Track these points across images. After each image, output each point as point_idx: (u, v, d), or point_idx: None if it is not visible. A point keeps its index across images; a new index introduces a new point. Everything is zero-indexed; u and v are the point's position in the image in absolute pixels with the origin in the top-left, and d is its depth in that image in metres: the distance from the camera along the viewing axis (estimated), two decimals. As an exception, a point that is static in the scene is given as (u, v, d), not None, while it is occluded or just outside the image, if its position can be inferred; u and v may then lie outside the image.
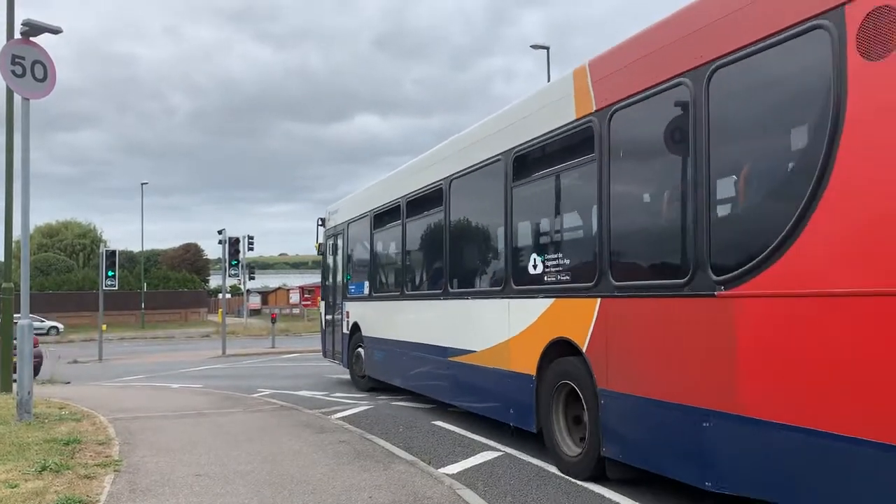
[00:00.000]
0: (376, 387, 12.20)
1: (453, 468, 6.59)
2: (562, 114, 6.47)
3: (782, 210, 4.20)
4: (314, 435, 7.90)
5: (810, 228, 4.00)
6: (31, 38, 9.20)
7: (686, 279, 4.88)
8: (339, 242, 14.17)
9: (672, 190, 5.31)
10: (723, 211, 4.83)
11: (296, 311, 62.64)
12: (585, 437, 6.13)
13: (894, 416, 3.53)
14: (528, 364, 6.88)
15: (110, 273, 25.13)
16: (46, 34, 9.29)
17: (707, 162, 4.78)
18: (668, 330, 5.09)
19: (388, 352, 11.26)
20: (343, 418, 9.40)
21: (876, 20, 3.68)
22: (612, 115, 5.78)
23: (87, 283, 58.09)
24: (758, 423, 4.28)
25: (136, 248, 67.54)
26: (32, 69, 9.04)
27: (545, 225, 7.12)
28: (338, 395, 12.32)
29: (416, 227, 10.23)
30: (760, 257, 4.30)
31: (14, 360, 11.51)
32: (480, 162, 8.08)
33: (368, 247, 12.30)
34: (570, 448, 6.45)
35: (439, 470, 6.38)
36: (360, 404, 10.87)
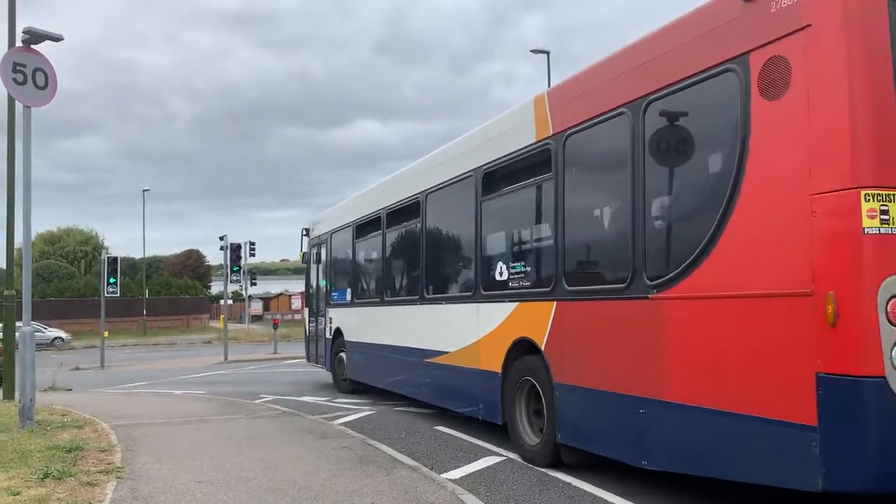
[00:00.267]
0: (358, 389, 12.81)
1: (456, 473, 6.58)
2: (524, 136, 7.16)
3: (702, 224, 4.88)
4: (316, 441, 7.89)
5: (723, 240, 4.69)
6: (33, 46, 9.23)
7: (626, 284, 5.57)
8: (323, 251, 14.85)
9: (616, 205, 6.01)
10: (655, 224, 5.50)
11: (297, 316, 62.45)
12: (544, 428, 6.72)
13: (786, 397, 4.22)
14: (494, 362, 7.51)
15: (112, 280, 25.10)
16: (48, 42, 9.32)
17: (643, 181, 5.47)
18: (610, 328, 5.80)
19: (368, 355, 11.82)
20: (345, 424, 9.39)
21: (772, 67, 4.42)
22: (566, 139, 6.47)
23: (88, 290, 58.07)
24: (683, 407, 4.97)
25: (137, 255, 67.56)
26: (34, 77, 9.06)
27: (510, 236, 7.86)
28: (339, 400, 12.33)
29: (395, 237, 10.92)
30: (684, 265, 4.99)
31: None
32: (454, 177, 8.76)
33: (350, 255, 12.92)
34: (531, 438, 7.04)
35: (442, 475, 6.37)
36: (362, 410, 10.86)
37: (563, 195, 6.50)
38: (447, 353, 8.72)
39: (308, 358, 16.26)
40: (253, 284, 44.84)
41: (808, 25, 4.20)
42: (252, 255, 32.57)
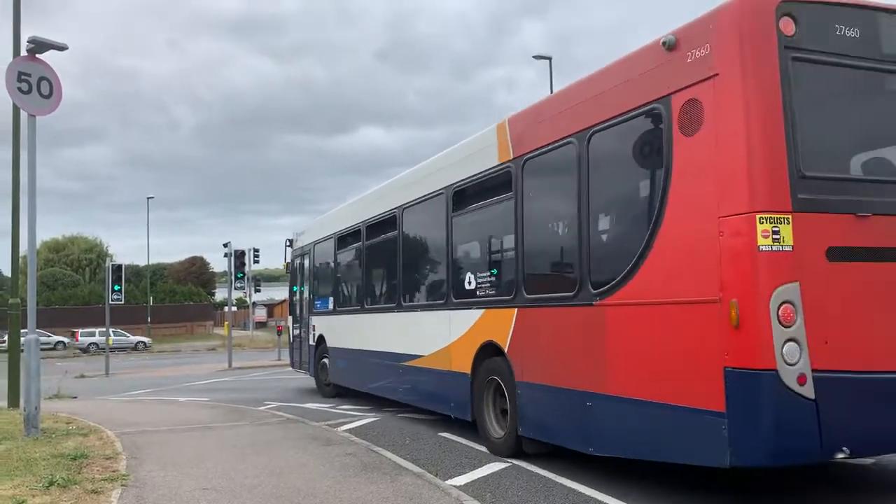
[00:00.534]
0: (340, 393, 13.44)
1: (460, 480, 6.57)
2: (488, 159, 7.90)
3: (635, 240, 5.54)
4: (321, 447, 7.89)
5: (651, 254, 5.37)
6: (37, 55, 9.29)
7: (573, 292, 6.28)
8: (306, 261, 15.42)
9: (566, 223, 6.72)
10: (597, 239, 6.23)
11: (301, 323, 62.53)
12: (507, 422, 7.41)
13: (701, 388, 4.86)
14: (464, 364, 8.19)
15: (116, 287, 25.15)
16: (52, 51, 9.37)
17: (588, 203, 6.19)
18: (562, 332, 6.49)
19: (350, 360, 12.43)
20: (349, 430, 9.39)
21: (689, 108, 5.10)
22: (524, 163, 7.23)
23: (93, 298, 58.28)
24: (622, 399, 5.65)
25: (142, 262, 67.44)
26: (38, 86, 9.12)
27: (477, 248, 8.57)
28: (344, 407, 12.32)
29: (374, 249, 11.52)
30: (621, 275, 5.65)
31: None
32: (427, 194, 9.44)
33: (333, 265, 13.54)
34: (497, 431, 7.71)
35: (446, 482, 6.37)
36: (366, 416, 10.86)
37: (521, 213, 7.24)
38: (422, 356, 9.36)
39: (293, 364, 16.70)
40: (257, 291, 44.71)
41: (716, 74, 4.91)
42: (256, 261, 32.49)
